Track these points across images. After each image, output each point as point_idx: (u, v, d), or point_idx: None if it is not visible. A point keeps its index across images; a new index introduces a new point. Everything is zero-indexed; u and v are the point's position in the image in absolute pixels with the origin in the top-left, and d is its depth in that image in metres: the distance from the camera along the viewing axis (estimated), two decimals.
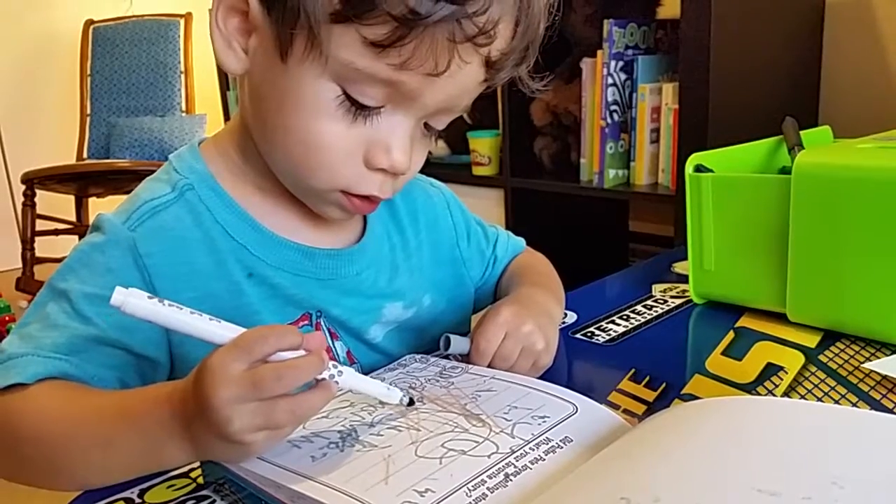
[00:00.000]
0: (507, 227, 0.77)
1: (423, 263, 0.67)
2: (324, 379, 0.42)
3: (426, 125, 0.53)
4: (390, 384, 0.47)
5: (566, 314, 0.71)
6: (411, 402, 0.47)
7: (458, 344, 0.57)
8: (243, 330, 0.41)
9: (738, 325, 0.67)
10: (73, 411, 0.45)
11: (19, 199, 2.73)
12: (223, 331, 0.41)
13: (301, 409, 0.40)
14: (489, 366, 0.55)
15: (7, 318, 2.40)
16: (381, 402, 0.48)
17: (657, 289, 0.79)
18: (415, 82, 0.47)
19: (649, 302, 0.75)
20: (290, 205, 0.58)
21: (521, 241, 0.77)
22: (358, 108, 0.49)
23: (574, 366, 0.63)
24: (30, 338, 0.49)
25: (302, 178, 0.53)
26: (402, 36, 0.44)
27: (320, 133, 0.50)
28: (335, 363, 0.43)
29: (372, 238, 0.63)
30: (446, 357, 0.58)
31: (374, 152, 0.51)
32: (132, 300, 0.40)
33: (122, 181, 2.57)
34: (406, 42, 0.45)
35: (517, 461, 0.40)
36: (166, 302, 0.41)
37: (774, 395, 0.53)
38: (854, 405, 0.51)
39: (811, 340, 0.63)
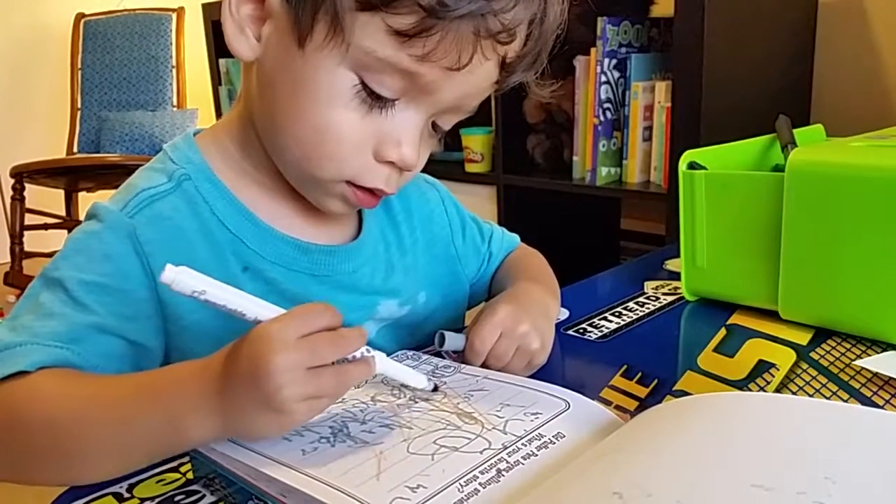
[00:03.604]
0: (500, 225, 0.77)
1: (418, 261, 0.66)
2: (363, 356, 0.43)
3: (433, 125, 0.54)
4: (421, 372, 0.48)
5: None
6: (436, 389, 0.48)
7: (453, 341, 0.56)
8: (284, 310, 0.42)
9: (729, 322, 0.68)
10: (86, 394, 0.44)
11: (8, 193, 2.71)
12: (269, 311, 0.42)
13: (345, 378, 0.41)
14: (483, 364, 0.55)
15: None
16: (406, 387, 0.48)
17: (649, 286, 0.79)
18: (433, 75, 0.48)
19: (641, 299, 0.75)
20: (287, 199, 0.57)
21: (516, 237, 0.77)
22: (373, 99, 0.49)
23: (566, 362, 0.63)
24: (24, 328, 0.47)
25: (309, 168, 0.52)
26: (428, 27, 0.45)
27: (334, 122, 0.49)
28: (368, 348, 0.44)
29: (368, 236, 0.62)
30: (439, 354, 0.57)
31: (384, 145, 0.51)
32: (183, 277, 0.40)
33: (112, 176, 2.56)
34: (432, 33, 0.45)
35: (509, 457, 0.40)
36: (214, 281, 0.41)
37: (766, 392, 0.53)
38: (845, 402, 0.51)
39: (803, 338, 0.63)
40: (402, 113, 0.50)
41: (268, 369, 0.38)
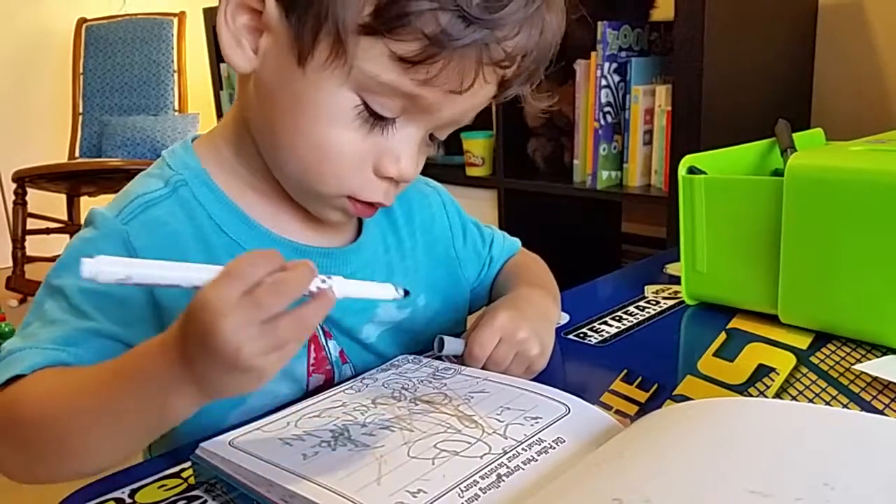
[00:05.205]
0: (500, 228, 0.77)
1: (418, 264, 0.67)
2: (319, 289, 0.40)
3: (430, 135, 0.54)
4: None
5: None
6: (406, 294, 0.46)
7: (452, 345, 0.56)
8: (222, 267, 0.38)
9: (729, 326, 0.68)
10: (72, 388, 0.44)
11: (10, 198, 2.71)
12: (204, 273, 0.38)
13: (304, 321, 0.39)
14: (482, 369, 0.55)
15: None
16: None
17: (650, 290, 0.79)
18: (435, 97, 0.48)
19: (642, 303, 0.75)
20: (284, 204, 0.58)
21: (517, 241, 0.78)
22: (375, 119, 0.49)
23: (567, 366, 0.63)
24: (29, 336, 0.49)
25: (310, 183, 0.53)
26: (431, 55, 0.45)
27: (335, 141, 0.50)
28: (322, 276, 0.41)
29: (367, 239, 0.63)
30: (439, 358, 0.58)
31: (384, 161, 0.51)
32: (104, 268, 0.36)
33: (113, 180, 2.57)
34: (435, 61, 0.45)
35: (510, 462, 0.40)
36: (138, 261, 0.38)
37: (766, 397, 0.54)
38: (845, 406, 0.51)
39: (803, 342, 0.63)
40: (402, 130, 0.51)
41: (219, 336, 0.36)
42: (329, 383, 0.59)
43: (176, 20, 3.11)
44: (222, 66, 2.44)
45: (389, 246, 0.65)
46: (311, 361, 0.59)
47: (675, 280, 0.78)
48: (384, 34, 0.45)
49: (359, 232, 0.63)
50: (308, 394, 0.57)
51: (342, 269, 0.60)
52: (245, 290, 0.37)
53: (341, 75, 0.47)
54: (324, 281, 0.41)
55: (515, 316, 0.56)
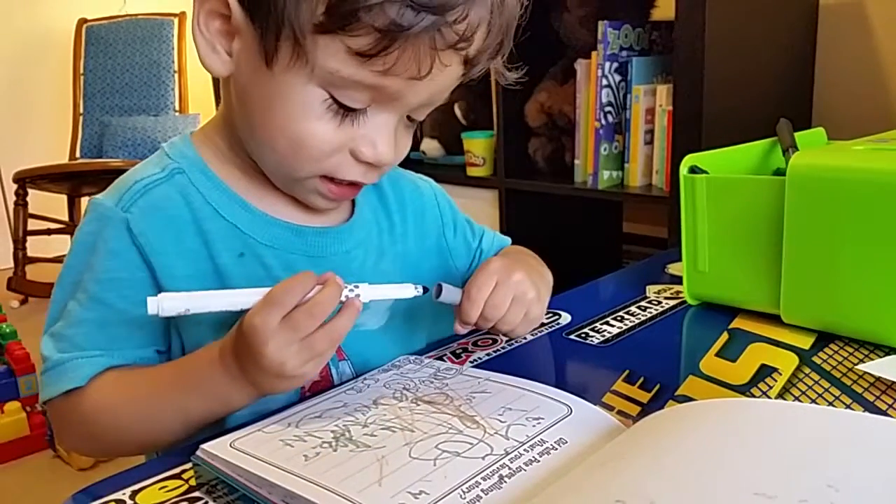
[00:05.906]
0: (501, 228, 0.78)
1: (408, 250, 0.68)
2: (347, 298, 0.48)
3: (408, 117, 0.56)
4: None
5: (560, 314, 0.71)
6: (426, 291, 0.53)
7: (450, 293, 0.56)
8: (268, 289, 0.46)
9: (732, 326, 0.67)
10: (138, 392, 0.53)
11: (11, 199, 2.71)
12: (249, 297, 0.47)
13: (335, 332, 0.47)
14: (481, 316, 0.55)
15: None
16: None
17: (651, 290, 0.79)
18: (398, 85, 0.50)
19: (643, 303, 0.75)
20: (278, 189, 0.59)
21: (507, 238, 0.78)
22: (345, 110, 0.51)
23: (568, 367, 0.63)
24: (62, 338, 0.54)
25: (289, 173, 0.55)
26: (386, 46, 0.47)
27: (310, 134, 0.52)
28: (350, 286, 0.48)
29: (360, 219, 0.64)
30: (441, 358, 0.57)
31: (360, 147, 0.53)
32: (166, 303, 0.45)
33: (114, 180, 2.56)
34: (390, 51, 0.47)
35: (511, 463, 0.40)
36: (194, 294, 0.46)
37: (768, 397, 0.53)
38: (848, 407, 0.51)
39: (805, 342, 0.63)
40: (374, 118, 0.53)
41: (265, 356, 0.45)
42: (325, 379, 0.59)
43: (176, 20, 3.11)
44: None
45: (382, 228, 0.66)
46: None
47: (677, 280, 0.78)
48: (338, 31, 0.47)
49: (353, 213, 0.64)
50: (304, 389, 0.57)
51: (337, 248, 0.61)
52: (284, 316, 0.45)
53: (306, 73, 0.49)
54: (351, 290, 0.48)
55: (509, 263, 0.58)
